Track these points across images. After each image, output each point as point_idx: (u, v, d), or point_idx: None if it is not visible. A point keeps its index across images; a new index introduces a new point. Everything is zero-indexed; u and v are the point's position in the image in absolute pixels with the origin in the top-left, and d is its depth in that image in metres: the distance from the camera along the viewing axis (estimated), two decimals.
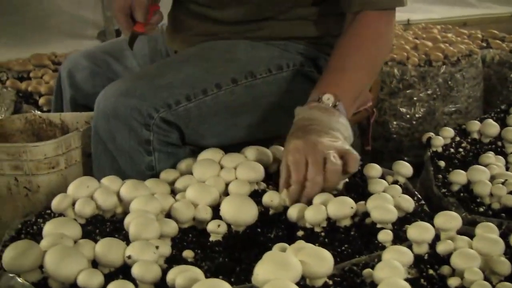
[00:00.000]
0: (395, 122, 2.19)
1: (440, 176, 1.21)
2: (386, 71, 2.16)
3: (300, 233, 0.96)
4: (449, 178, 1.18)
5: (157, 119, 1.13)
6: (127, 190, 1.04)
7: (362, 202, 0.99)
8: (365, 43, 1.20)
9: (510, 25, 3.37)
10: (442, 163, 1.27)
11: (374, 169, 1.11)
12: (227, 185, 1.08)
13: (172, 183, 1.11)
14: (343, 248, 0.91)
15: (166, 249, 0.89)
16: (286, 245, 0.86)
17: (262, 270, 0.75)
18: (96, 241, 0.88)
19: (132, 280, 0.80)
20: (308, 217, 0.96)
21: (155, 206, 0.98)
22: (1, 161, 1.19)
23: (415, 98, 2.17)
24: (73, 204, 1.01)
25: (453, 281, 0.80)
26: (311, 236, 0.95)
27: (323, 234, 0.95)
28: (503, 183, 1.12)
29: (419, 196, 1.06)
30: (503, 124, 1.42)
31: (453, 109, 2.21)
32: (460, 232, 0.90)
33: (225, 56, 1.28)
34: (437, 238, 0.88)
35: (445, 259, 0.84)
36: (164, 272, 0.82)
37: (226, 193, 1.07)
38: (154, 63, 1.44)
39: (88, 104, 1.41)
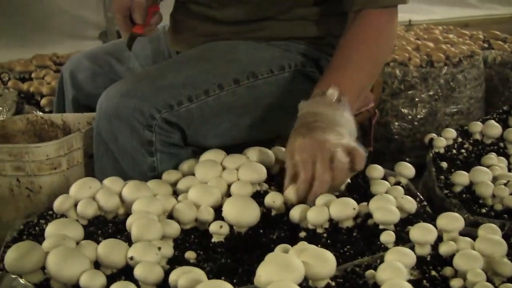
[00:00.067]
0: (397, 123, 2.19)
1: (442, 177, 1.21)
2: (388, 72, 2.15)
3: (302, 234, 0.96)
4: (451, 179, 1.17)
5: (159, 120, 1.13)
6: (129, 191, 1.03)
7: (365, 203, 0.99)
8: (366, 42, 1.20)
9: (511, 26, 3.37)
10: (444, 164, 1.26)
11: (376, 170, 1.11)
12: (229, 186, 1.08)
13: (174, 184, 1.11)
14: (345, 249, 0.91)
15: (168, 250, 0.89)
16: (289, 246, 0.86)
17: (264, 271, 0.74)
18: (98, 242, 0.88)
19: (135, 281, 0.80)
20: (310, 218, 0.96)
21: (157, 207, 0.98)
22: (3, 162, 1.19)
23: (416, 99, 2.17)
24: (75, 205, 1.01)
25: (455, 283, 0.79)
26: (313, 237, 0.94)
27: (325, 235, 0.95)
28: (505, 184, 1.12)
29: (421, 197, 1.06)
30: (505, 125, 1.42)
31: (455, 110, 2.20)
32: (462, 233, 0.89)
33: (226, 56, 1.28)
34: (439, 239, 0.88)
35: (448, 260, 0.84)
36: (167, 273, 0.81)
37: (228, 194, 1.07)
38: (156, 64, 1.44)
39: (90, 105, 1.41)
